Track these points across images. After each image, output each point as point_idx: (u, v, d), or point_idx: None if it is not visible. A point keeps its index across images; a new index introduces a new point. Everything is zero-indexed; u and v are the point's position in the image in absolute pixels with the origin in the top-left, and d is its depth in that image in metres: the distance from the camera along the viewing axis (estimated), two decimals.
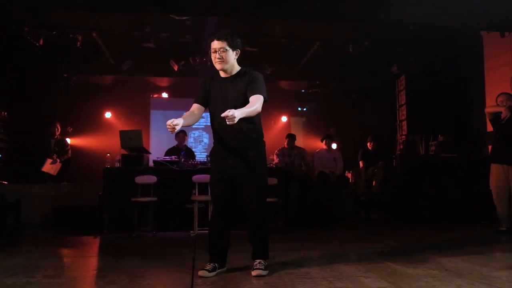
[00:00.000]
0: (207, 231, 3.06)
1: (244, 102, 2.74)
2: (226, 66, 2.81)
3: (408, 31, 6.90)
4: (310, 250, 3.78)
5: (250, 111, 2.64)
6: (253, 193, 2.84)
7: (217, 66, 2.82)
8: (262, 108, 2.83)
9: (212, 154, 3.00)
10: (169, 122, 2.55)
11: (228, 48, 2.77)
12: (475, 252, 3.48)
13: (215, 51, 2.78)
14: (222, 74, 2.88)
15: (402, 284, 2.45)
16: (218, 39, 2.77)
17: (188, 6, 5.17)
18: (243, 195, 2.86)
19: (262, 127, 2.98)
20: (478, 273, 2.73)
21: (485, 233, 4.97)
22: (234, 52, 2.82)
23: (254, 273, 2.71)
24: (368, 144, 6.91)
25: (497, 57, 6.85)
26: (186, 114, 2.83)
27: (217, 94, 2.87)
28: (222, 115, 2.48)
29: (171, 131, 2.58)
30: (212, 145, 3.08)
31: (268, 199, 4.82)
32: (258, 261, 2.80)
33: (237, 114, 2.49)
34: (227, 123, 2.48)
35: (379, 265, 3.01)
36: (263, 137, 2.98)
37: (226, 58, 2.78)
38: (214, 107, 2.86)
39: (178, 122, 2.57)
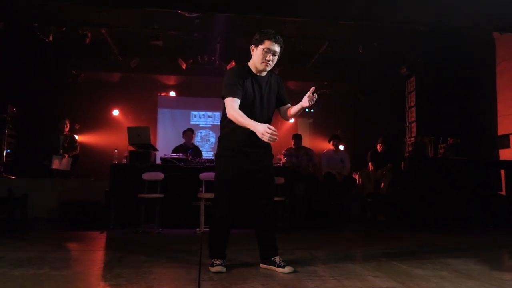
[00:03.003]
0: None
1: (273, 104, 2.92)
2: (268, 69, 2.83)
3: (418, 32, 6.85)
4: (316, 250, 3.75)
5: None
6: (268, 188, 2.86)
7: (262, 66, 2.77)
8: None
9: (228, 148, 2.82)
10: (271, 132, 2.48)
11: (278, 53, 2.80)
12: (484, 255, 3.43)
13: (269, 52, 2.73)
14: (255, 71, 2.83)
15: (412, 284, 2.42)
16: (277, 42, 2.75)
17: (197, 3, 5.17)
18: (259, 191, 2.84)
19: None
20: (488, 275, 2.69)
21: (494, 237, 4.90)
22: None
23: (287, 270, 2.67)
24: (378, 146, 6.89)
25: (509, 60, 6.76)
26: (244, 115, 2.65)
27: (252, 91, 2.79)
28: (314, 93, 2.69)
29: (274, 139, 2.51)
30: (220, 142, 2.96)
31: (275, 198, 4.84)
32: (278, 258, 2.78)
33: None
34: (309, 98, 2.69)
35: (387, 265, 2.97)
36: None
37: (273, 63, 2.81)
38: (250, 104, 2.78)
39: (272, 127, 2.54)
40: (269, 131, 2.47)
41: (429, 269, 2.83)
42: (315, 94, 2.69)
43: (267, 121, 2.86)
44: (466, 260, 3.17)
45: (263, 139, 2.50)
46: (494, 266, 2.99)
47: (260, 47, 2.74)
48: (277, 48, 2.75)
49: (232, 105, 2.69)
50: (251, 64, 2.85)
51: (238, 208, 2.95)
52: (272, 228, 2.88)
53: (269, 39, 2.72)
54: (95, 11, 6.63)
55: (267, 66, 2.77)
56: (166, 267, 2.92)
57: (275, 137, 2.48)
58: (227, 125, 2.83)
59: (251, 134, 2.67)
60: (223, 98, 2.76)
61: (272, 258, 2.78)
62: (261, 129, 2.50)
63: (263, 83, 2.84)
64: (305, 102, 2.72)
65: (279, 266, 2.72)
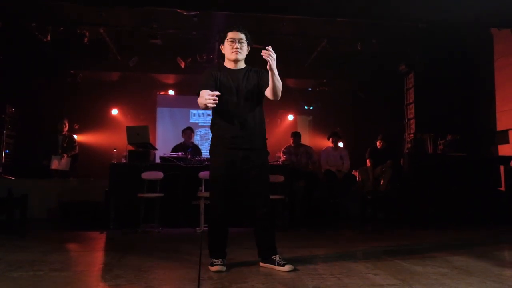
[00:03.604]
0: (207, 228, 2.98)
1: (257, 94, 2.85)
2: (241, 57, 2.88)
3: (417, 29, 6.83)
4: (316, 248, 3.75)
5: (279, 79, 2.71)
6: (263, 187, 2.83)
7: (233, 56, 2.86)
8: (268, 106, 2.94)
9: (219, 146, 2.84)
10: (209, 97, 2.53)
11: (245, 40, 2.88)
12: (484, 251, 3.44)
13: (234, 41, 2.84)
14: (230, 66, 2.91)
15: (412, 281, 2.42)
16: (238, 30, 2.87)
17: (196, 1, 5.15)
18: (255, 190, 2.82)
19: (268, 126, 3.04)
20: (488, 271, 2.69)
21: (494, 233, 4.91)
22: (247, 47, 2.92)
23: (287, 268, 2.67)
24: (378, 142, 6.87)
25: (507, 56, 6.76)
26: (201, 96, 2.69)
27: (228, 84, 2.85)
28: (268, 47, 2.57)
29: (213, 103, 2.54)
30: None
31: (275, 197, 4.84)
32: (277, 256, 2.78)
33: (274, 63, 2.60)
34: (264, 55, 2.57)
35: (387, 262, 2.98)
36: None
37: (243, 50, 2.87)
38: (226, 97, 2.80)
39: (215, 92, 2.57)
40: (209, 96, 2.55)
41: (430, 266, 2.84)
42: (268, 49, 2.59)
43: (253, 112, 2.84)
44: (466, 257, 3.17)
45: (208, 105, 2.56)
46: (494, 262, 2.99)
47: (226, 41, 2.88)
48: (241, 36, 2.86)
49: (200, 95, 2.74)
50: (225, 62, 2.96)
51: (237, 207, 2.94)
52: (271, 228, 2.87)
53: (230, 30, 2.87)
54: (93, 11, 6.60)
55: (237, 54, 2.85)
56: (166, 267, 2.91)
57: (215, 100, 2.54)
58: (214, 123, 2.90)
59: (240, 129, 2.76)
60: (197, 95, 2.79)
61: (272, 257, 2.78)
62: (204, 99, 2.57)
63: (240, 76, 2.88)
64: (268, 65, 2.64)
65: (279, 265, 2.72)
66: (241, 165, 2.80)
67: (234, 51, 2.84)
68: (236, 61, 2.89)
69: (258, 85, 2.86)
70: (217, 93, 2.58)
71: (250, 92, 2.84)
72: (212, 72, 2.89)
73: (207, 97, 2.56)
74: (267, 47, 2.59)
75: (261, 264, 2.84)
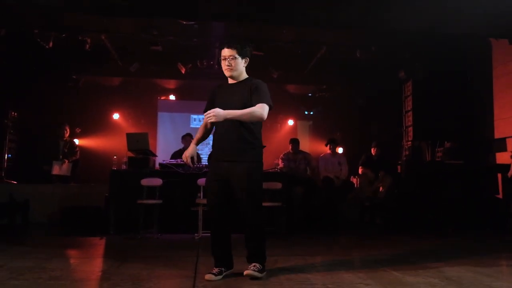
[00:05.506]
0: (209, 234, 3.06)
1: (244, 107, 2.82)
2: (234, 73, 2.93)
3: (416, 37, 6.88)
4: (312, 256, 3.80)
5: (240, 114, 2.79)
6: (246, 198, 2.86)
7: (226, 73, 2.94)
8: (269, 111, 2.90)
9: (211, 157, 3.09)
10: (186, 159, 2.97)
11: (237, 56, 2.90)
12: (478, 261, 3.46)
13: (225, 59, 2.90)
14: (230, 81, 3.01)
15: None
16: (228, 47, 2.90)
17: (196, 12, 5.23)
18: (237, 199, 2.89)
19: (268, 131, 3.07)
20: (478, 282, 2.74)
21: (489, 241, 4.94)
22: (243, 60, 2.95)
23: (245, 272, 2.77)
24: (372, 149, 6.88)
25: (505, 64, 6.80)
26: (199, 130, 3.11)
27: (221, 99, 2.96)
28: (206, 113, 2.79)
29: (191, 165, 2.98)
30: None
31: (272, 203, 4.90)
32: (253, 264, 2.84)
33: (222, 113, 2.75)
34: (207, 119, 2.79)
35: (380, 272, 3.02)
36: (260, 143, 2.99)
37: (235, 66, 2.90)
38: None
39: (192, 153, 3.00)
40: (184, 159, 3.00)
41: (421, 276, 2.88)
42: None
43: (237, 126, 2.83)
44: (458, 267, 3.22)
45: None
46: (485, 273, 3.03)
47: (220, 59, 2.95)
48: (231, 52, 2.89)
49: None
50: None
51: (234, 214, 2.98)
52: (256, 238, 2.89)
53: (221, 48, 2.95)
54: (94, 18, 6.68)
55: (228, 71, 2.93)
56: (163, 276, 2.96)
57: (188, 164, 3.01)
58: (213, 135, 3.07)
59: (223, 142, 2.91)
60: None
61: (249, 265, 2.85)
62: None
63: (234, 90, 2.95)
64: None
65: (247, 269, 2.81)
66: (226, 176, 2.89)
67: (226, 68, 2.92)
68: (230, 77, 2.97)
69: (248, 99, 2.87)
70: (188, 154, 2.98)
71: (237, 105, 2.83)
72: (214, 89, 3.06)
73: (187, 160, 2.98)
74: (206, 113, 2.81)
75: None
